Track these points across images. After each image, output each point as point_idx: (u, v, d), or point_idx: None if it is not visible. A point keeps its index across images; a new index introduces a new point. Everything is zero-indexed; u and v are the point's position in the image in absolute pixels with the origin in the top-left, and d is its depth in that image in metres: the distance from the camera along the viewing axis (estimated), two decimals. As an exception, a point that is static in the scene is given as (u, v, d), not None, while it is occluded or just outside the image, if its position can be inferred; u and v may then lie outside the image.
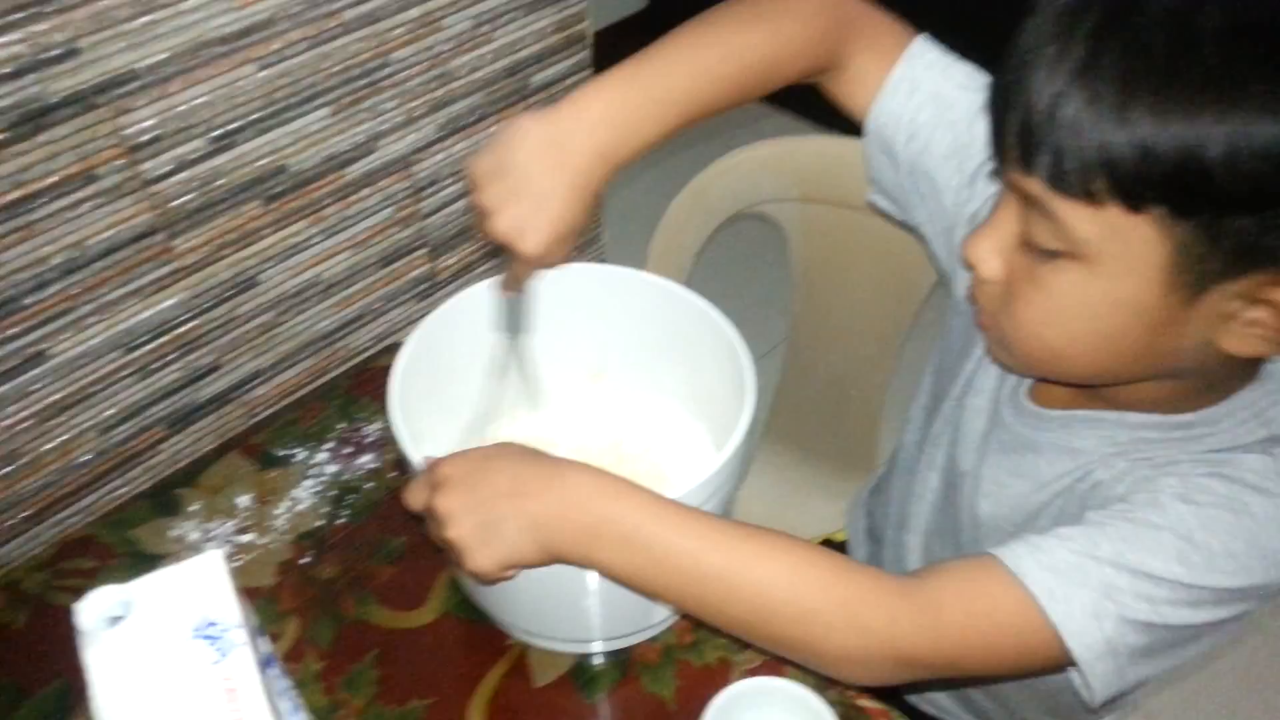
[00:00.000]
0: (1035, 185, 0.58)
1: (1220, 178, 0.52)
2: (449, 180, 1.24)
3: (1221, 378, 0.64)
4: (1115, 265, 0.58)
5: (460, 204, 1.26)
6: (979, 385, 0.80)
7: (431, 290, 1.30)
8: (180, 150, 0.97)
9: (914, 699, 0.97)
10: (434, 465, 0.68)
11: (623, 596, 0.68)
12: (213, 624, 0.57)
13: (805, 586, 0.63)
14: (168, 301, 1.03)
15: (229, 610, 0.57)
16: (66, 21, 0.85)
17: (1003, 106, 0.59)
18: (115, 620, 0.55)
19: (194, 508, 0.88)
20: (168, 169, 0.97)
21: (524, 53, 1.24)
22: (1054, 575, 0.60)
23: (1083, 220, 0.57)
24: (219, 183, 1.01)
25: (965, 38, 0.85)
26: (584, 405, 0.92)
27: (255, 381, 1.14)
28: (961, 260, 0.68)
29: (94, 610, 0.56)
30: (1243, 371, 0.65)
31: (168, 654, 0.55)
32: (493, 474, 0.66)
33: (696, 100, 0.73)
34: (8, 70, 0.83)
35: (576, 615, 0.75)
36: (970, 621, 0.62)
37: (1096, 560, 0.60)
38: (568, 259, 0.76)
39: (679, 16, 0.74)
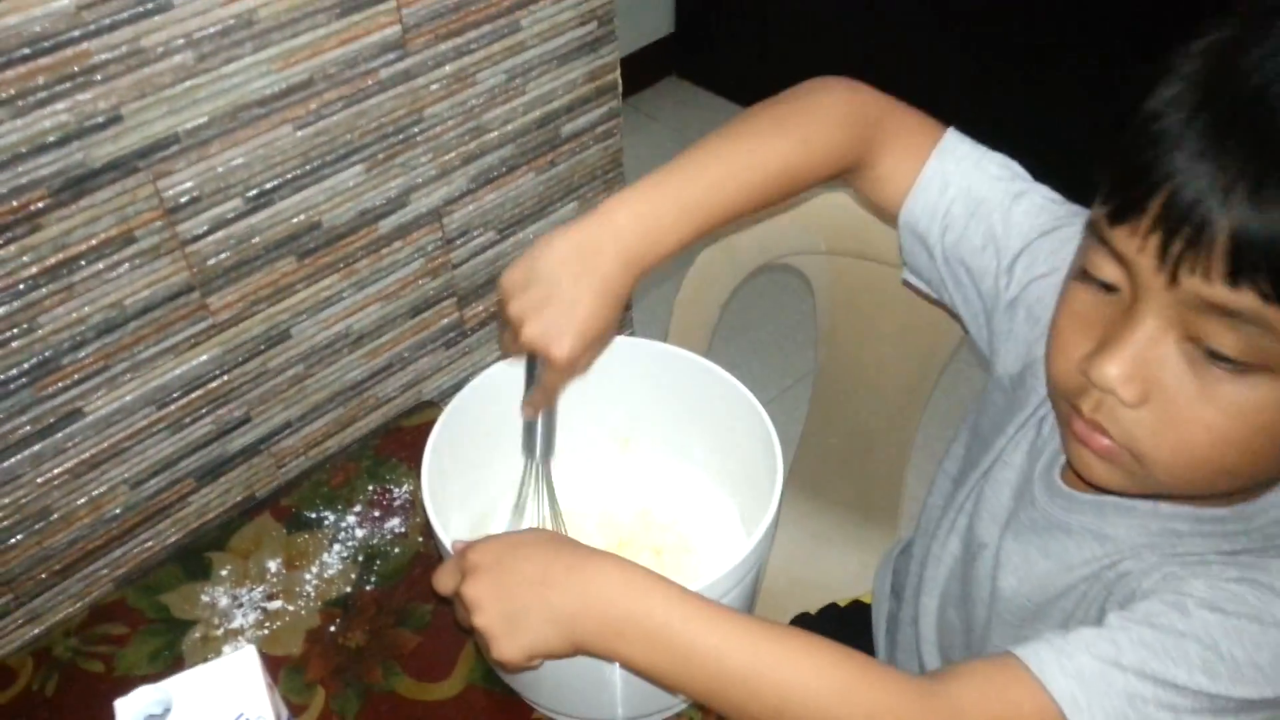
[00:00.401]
0: (1247, 299, 0.53)
1: None
2: (478, 230, 1.25)
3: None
4: None
5: (489, 253, 1.27)
6: (1008, 459, 0.80)
7: (458, 338, 1.30)
8: (217, 210, 0.98)
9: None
10: (463, 551, 0.68)
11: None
12: (247, 722, 0.58)
13: (827, 692, 0.63)
14: (201, 357, 1.03)
15: (263, 708, 0.58)
16: (111, 89, 0.86)
17: (1190, 221, 0.53)
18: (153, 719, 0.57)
19: (224, 572, 0.88)
20: (204, 229, 0.98)
21: (555, 104, 1.25)
22: (1078, 683, 0.60)
23: None
24: (254, 240, 1.02)
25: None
26: (613, 474, 0.93)
27: (284, 433, 1.15)
28: (1081, 379, 0.62)
29: (133, 708, 0.57)
30: None
31: (203, 754, 0.56)
32: (521, 562, 0.67)
33: (721, 208, 0.75)
34: (53, 139, 0.85)
35: (601, 696, 0.76)
36: None
37: (1121, 669, 0.60)
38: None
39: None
